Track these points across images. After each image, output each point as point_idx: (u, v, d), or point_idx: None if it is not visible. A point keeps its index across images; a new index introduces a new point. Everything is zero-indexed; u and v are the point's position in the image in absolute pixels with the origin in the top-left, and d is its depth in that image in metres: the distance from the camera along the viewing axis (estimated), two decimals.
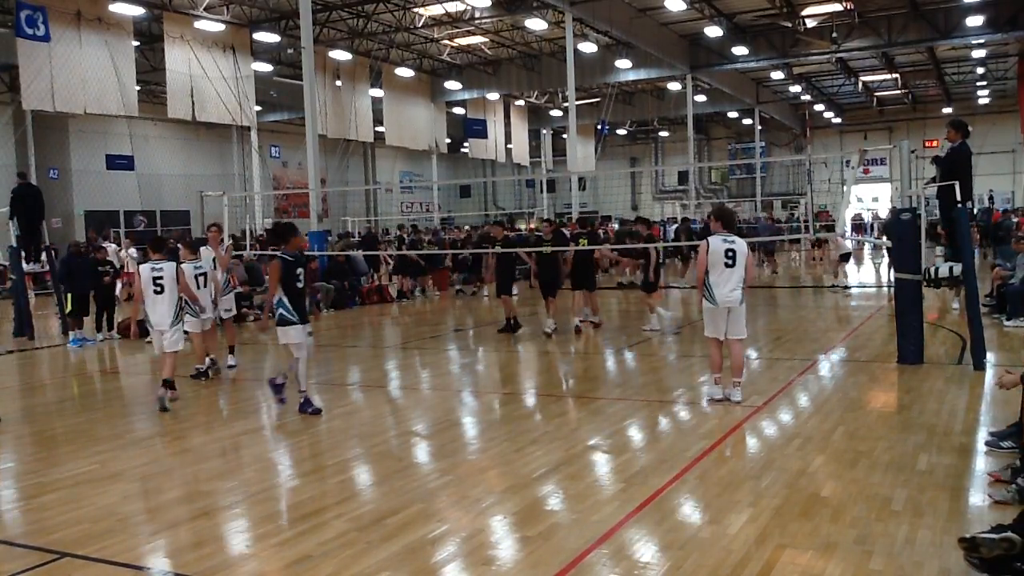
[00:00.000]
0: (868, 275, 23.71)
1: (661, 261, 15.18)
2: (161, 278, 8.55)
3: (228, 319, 11.09)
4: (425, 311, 18.28)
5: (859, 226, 38.13)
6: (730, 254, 7.63)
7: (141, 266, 8.85)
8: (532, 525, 4.88)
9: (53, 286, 16.92)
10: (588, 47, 29.37)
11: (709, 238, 7.79)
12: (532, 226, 33.57)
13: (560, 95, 38.12)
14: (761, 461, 6.02)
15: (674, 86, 36.69)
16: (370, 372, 10.85)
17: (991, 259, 18.68)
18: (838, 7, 26.90)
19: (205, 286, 10.00)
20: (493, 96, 36.88)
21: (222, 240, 12.00)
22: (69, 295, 14.13)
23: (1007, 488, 4.94)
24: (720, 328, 7.75)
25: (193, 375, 9.93)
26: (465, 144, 39.39)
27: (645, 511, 5.04)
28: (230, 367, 10.71)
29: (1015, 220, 23.73)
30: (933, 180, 9.85)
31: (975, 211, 17.09)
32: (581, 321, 13.34)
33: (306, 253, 8.37)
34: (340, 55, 29.17)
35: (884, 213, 37.29)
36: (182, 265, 9.37)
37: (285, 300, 7.74)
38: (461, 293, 20.94)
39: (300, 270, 7.93)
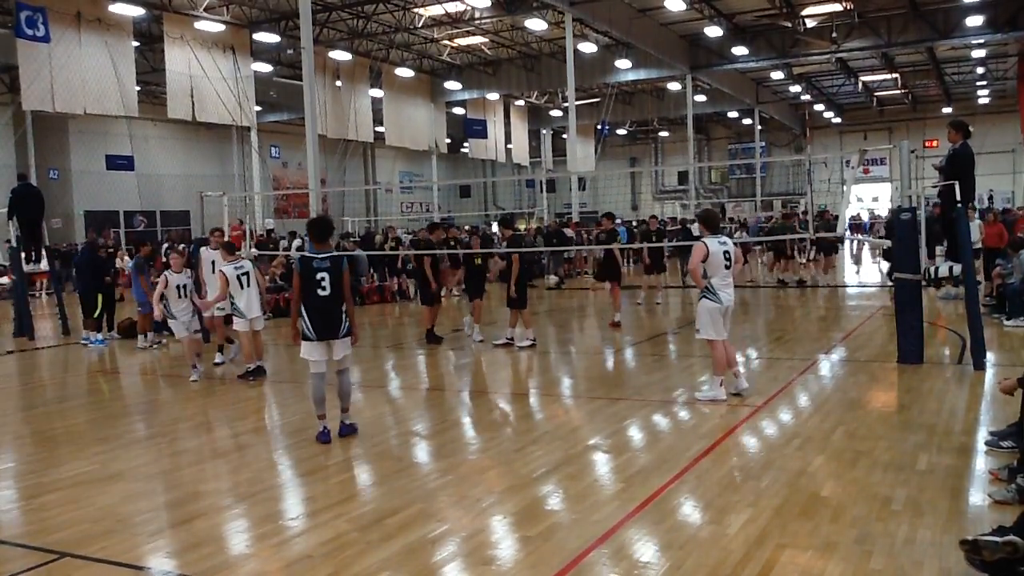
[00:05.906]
0: (872, 275, 23.69)
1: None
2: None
3: (220, 318, 11.04)
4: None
5: (857, 226, 38.05)
6: (727, 255, 7.87)
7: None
8: (532, 525, 4.88)
9: (54, 286, 16.91)
10: (588, 47, 29.38)
11: (705, 240, 7.88)
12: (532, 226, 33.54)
13: (560, 95, 38.13)
14: (761, 461, 6.02)
15: (674, 86, 36.70)
16: (370, 372, 10.82)
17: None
18: (838, 7, 26.91)
19: (249, 286, 10.02)
20: (493, 96, 36.89)
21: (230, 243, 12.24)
22: (100, 295, 13.82)
23: (1007, 488, 4.94)
24: (724, 328, 7.90)
25: (240, 375, 10.10)
26: (465, 144, 39.41)
27: (645, 511, 5.04)
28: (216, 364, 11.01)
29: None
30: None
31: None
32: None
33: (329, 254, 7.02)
34: (340, 55, 29.18)
35: (884, 212, 37.32)
36: (224, 267, 9.98)
37: (302, 309, 6.87)
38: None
39: (323, 275, 6.80)
